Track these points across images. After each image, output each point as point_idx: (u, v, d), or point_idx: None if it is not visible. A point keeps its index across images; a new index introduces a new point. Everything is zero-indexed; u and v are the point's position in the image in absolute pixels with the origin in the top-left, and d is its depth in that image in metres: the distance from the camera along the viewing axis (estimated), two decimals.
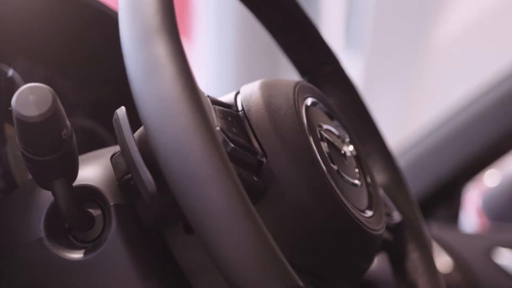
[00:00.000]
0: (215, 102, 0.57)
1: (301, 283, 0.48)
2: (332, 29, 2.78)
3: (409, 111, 2.55)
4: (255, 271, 0.47)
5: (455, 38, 2.47)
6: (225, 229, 0.46)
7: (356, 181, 0.63)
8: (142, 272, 0.57)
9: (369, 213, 0.63)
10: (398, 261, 0.71)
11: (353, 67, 2.64)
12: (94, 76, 0.78)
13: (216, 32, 2.50)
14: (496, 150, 1.38)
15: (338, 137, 0.64)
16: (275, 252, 0.47)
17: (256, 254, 0.47)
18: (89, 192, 0.59)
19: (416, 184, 1.37)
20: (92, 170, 0.59)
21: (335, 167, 0.61)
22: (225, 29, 2.49)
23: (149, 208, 0.57)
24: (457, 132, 1.38)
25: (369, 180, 0.66)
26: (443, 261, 1.21)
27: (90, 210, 0.58)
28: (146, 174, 0.53)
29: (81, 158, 0.60)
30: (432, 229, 1.27)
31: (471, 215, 1.47)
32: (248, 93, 0.60)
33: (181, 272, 0.60)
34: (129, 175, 0.56)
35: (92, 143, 0.73)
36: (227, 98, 0.61)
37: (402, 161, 1.39)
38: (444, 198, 1.39)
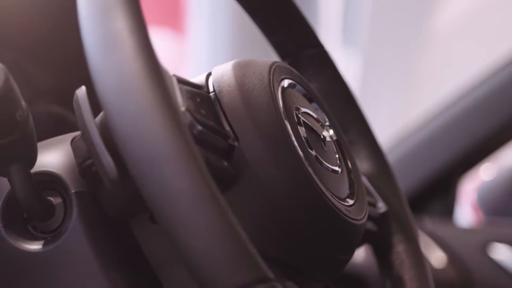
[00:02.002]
0: (183, 82, 0.54)
1: (271, 275, 0.45)
2: (329, 25, 2.77)
3: (406, 106, 2.54)
4: (221, 262, 0.43)
5: (452, 33, 2.45)
6: (186, 216, 0.43)
7: (336, 168, 0.60)
8: (105, 264, 0.54)
9: (350, 201, 0.59)
10: (383, 254, 0.68)
11: (350, 63, 2.63)
12: (64, 62, 0.75)
13: (210, 27, 2.48)
14: (491, 143, 1.35)
15: (317, 121, 0.61)
16: (243, 242, 0.44)
17: (222, 244, 0.43)
18: (49, 179, 0.55)
19: (410, 178, 1.35)
20: (52, 156, 0.56)
21: (313, 153, 0.57)
22: (219, 24, 2.47)
23: (113, 195, 0.54)
24: (451, 125, 1.36)
25: (350, 166, 0.62)
26: (436, 257, 1.19)
27: (50, 198, 0.55)
28: (106, 158, 0.49)
29: (42, 143, 0.57)
30: (426, 224, 1.25)
31: (466, 209, 1.44)
32: (220, 74, 0.57)
33: (148, 264, 0.56)
34: (90, 160, 0.53)
35: (62, 130, 0.70)
36: (198, 79, 0.57)
37: (395, 154, 1.37)
38: (438, 192, 1.36)
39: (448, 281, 1.19)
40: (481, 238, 1.23)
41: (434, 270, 1.19)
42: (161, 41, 2.59)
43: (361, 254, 1.02)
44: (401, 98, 2.58)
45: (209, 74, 0.57)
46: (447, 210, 1.37)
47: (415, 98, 2.51)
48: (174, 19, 2.70)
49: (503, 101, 1.33)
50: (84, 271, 0.54)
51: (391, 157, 1.36)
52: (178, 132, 0.44)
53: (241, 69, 0.57)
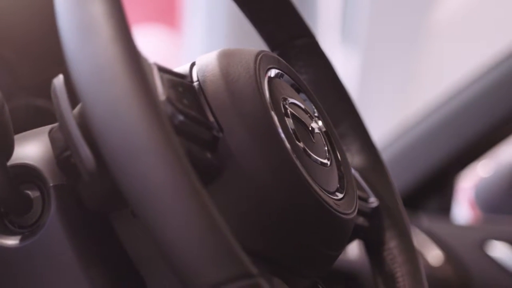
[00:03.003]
0: (164, 70, 0.52)
1: (255, 271, 0.43)
2: (328, 24, 2.77)
3: (405, 104, 2.53)
4: (201, 257, 0.42)
5: (450, 30, 2.45)
6: (165, 209, 0.41)
7: (325, 161, 0.58)
8: (84, 260, 0.52)
9: (339, 195, 0.57)
10: (374, 250, 0.66)
11: (349, 61, 2.63)
12: (49, 54, 0.73)
13: (205, 24, 2.47)
14: (489, 140, 1.34)
15: (306, 112, 0.59)
16: (225, 236, 0.42)
17: (202, 238, 0.42)
18: (26, 172, 0.53)
19: (407, 174, 1.34)
20: (30, 148, 0.54)
21: (301, 145, 0.55)
22: (215, 20, 2.45)
23: (92, 189, 0.52)
24: (449, 121, 1.35)
25: (340, 159, 0.60)
26: (433, 254, 1.18)
27: (28, 191, 0.53)
28: (84, 150, 0.48)
29: (19, 136, 0.55)
30: (423, 221, 1.24)
31: (463, 207, 1.42)
32: (204, 63, 0.55)
33: (129, 260, 0.54)
34: (68, 152, 0.51)
35: (46, 124, 0.68)
36: (182, 68, 0.55)
37: (392, 150, 1.36)
38: (435, 189, 1.35)
39: (445, 279, 1.18)
40: (479, 236, 1.22)
41: (431, 267, 1.18)
42: (155, 38, 2.57)
43: (354, 250, 1.00)
44: (400, 96, 2.58)
45: (193, 64, 0.56)
46: (444, 207, 1.35)
47: (414, 96, 2.50)
48: (169, 16, 2.69)
49: (501, 97, 1.32)
50: (63, 267, 0.52)
51: (388, 154, 1.35)
52: (157, 122, 0.42)
53: (226, 58, 0.55)
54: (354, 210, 0.58)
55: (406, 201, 1.34)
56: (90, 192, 0.52)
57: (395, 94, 2.60)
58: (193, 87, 0.53)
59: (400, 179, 1.33)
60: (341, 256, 0.98)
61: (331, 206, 0.54)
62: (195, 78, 0.54)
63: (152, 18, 2.64)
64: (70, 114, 0.49)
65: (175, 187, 0.41)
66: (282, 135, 0.53)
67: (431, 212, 1.32)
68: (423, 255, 1.20)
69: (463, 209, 1.42)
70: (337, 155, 0.60)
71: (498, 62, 1.33)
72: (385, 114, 2.52)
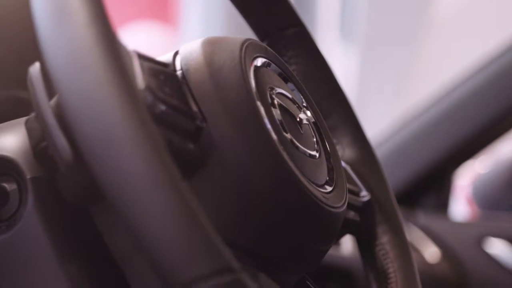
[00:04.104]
0: (145, 58, 0.50)
1: (236, 266, 0.41)
2: (326, 22, 2.77)
3: (404, 102, 2.52)
4: (179, 250, 0.40)
5: (449, 28, 2.44)
6: (142, 201, 0.40)
7: (314, 152, 0.56)
8: (62, 255, 0.50)
9: (328, 188, 0.56)
10: (366, 245, 0.64)
11: (348, 59, 2.63)
12: (31, 45, 0.71)
13: (202, 19, 2.45)
14: (487, 135, 1.32)
15: (293, 102, 0.57)
16: (204, 229, 0.40)
17: (180, 231, 0.40)
18: (2, 164, 0.52)
19: (404, 170, 1.33)
20: (6, 139, 0.52)
21: (288, 136, 0.53)
22: (211, 15, 2.44)
23: (70, 181, 0.50)
24: (446, 116, 1.33)
25: (329, 151, 0.58)
26: (430, 251, 1.17)
27: (4, 184, 0.52)
28: (60, 140, 0.46)
29: None
30: (419, 218, 1.24)
31: (460, 203, 1.41)
32: (188, 51, 0.53)
33: (111, 256, 0.52)
34: (45, 143, 0.49)
35: (28, 115, 0.67)
36: (165, 57, 0.54)
37: (389, 146, 1.35)
38: (432, 186, 1.33)
39: (442, 276, 1.17)
40: (476, 233, 1.21)
41: (428, 265, 1.17)
42: (150, 34, 2.56)
43: (348, 246, 0.99)
44: (399, 93, 2.58)
45: (176, 52, 0.54)
46: (442, 204, 1.34)
47: (413, 94, 2.49)
48: (163, 11, 2.67)
49: (498, 92, 1.30)
50: (40, 261, 0.50)
51: (385, 149, 1.34)
52: (133, 110, 0.41)
53: (210, 46, 0.53)
54: (343, 204, 0.56)
55: (402, 197, 1.34)
56: (68, 184, 0.50)
57: (394, 92, 2.60)
58: (176, 75, 0.51)
59: (397, 175, 1.32)
60: (334, 252, 0.98)
61: (319, 200, 0.53)
62: (178, 66, 0.52)
63: (146, 15, 2.63)
64: (46, 103, 0.47)
65: (152, 178, 0.40)
66: (268, 126, 0.51)
67: (428, 208, 1.31)
68: (420, 252, 1.19)
69: (460, 206, 1.41)
70: (326, 146, 0.59)
71: (495, 57, 1.31)
72: (384, 112, 2.51)
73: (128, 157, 0.40)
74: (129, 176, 0.40)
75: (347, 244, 0.98)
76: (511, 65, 1.29)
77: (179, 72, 0.52)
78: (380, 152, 1.34)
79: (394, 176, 1.31)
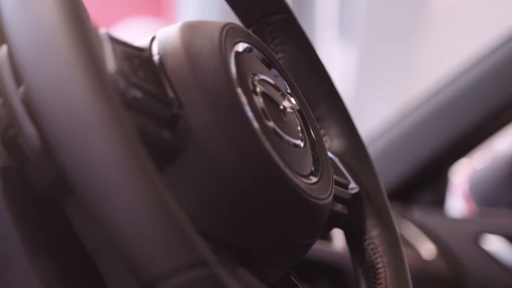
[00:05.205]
0: (119, 42, 0.48)
1: (211, 259, 0.39)
2: (325, 19, 2.76)
3: (403, 99, 2.51)
4: (148, 243, 0.38)
5: (448, 27, 2.43)
6: (110, 191, 0.38)
7: (298, 141, 0.53)
8: (31, 248, 0.48)
9: (313, 179, 0.53)
10: (355, 240, 0.61)
11: (346, 56, 2.62)
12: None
13: (198, 12, 2.44)
14: (484, 130, 1.30)
15: (277, 89, 0.54)
16: (176, 220, 0.38)
17: (149, 222, 0.38)
18: None
19: (399, 166, 1.31)
20: None
21: (271, 124, 0.51)
22: (207, 10, 2.42)
23: (40, 171, 0.48)
24: (442, 111, 1.32)
25: (315, 140, 0.56)
26: (426, 248, 1.15)
27: None
28: (27, 127, 0.44)
29: None
30: (415, 215, 1.22)
31: (457, 199, 1.39)
32: (165, 36, 0.51)
33: (83, 249, 0.50)
34: (13, 130, 0.47)
35: None
36: (141, 42, 0.51)
37: (384, 141, 1.33)
38: (428, 182, 1.31)
39: (438, 273, 1.16)
40: (473, 229, 1.19)
41: (424, 261, 1.16)
42: (145, 30, 2.55)
43: (340, 242, 0.97)
44: (397, 91, 2.56)
45: (154, 37, 0.51)
46: (438, 200, 1.33)
47: (412, 91, 2.48)
48: (159, 7, 2.66)
49: (495, 87, 1.28)
50: (8, 254, 0.48)
51: (380, 145, 1.32)
52: (101, 94, 0.38)
53: (189, 30, 0.51)
54: (329, 195, 0.54)
55: (398, 193, 1.33)
56: (38, 175, 0.48)
57: (393, 89, 2.59)
58: (152, 60, 0.49)
59: (393, 171, 1.31)
60: (326, 248, 0.96)
61: (303, 191, 0.50)
62: (155, 51, 0.50)
63: (141, 11, 2.61)
64: (13, 88, 0.45)
65: (119, 165, 0.38)
66: (250, 114, 0.49)
67: (424, 205, 1.29)
68: (415, 249, 1.17)
69: (457, 202, 1.39)
70: (311, 135, 0.56)
71: (490, 52, 1.30)
72: (383, 109, 2.50)
73: (95, 143, 0.38)
74: (95, 163, 0.38)
75: (339, 240, 0.96)
76: (506, 60, 1.27)
77: (155, 57, 0.49)
78: (376, 148, 1.33)
79: (390, 172, 1.30)
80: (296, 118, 0.55)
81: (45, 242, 0.49)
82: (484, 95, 1.28)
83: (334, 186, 0.56)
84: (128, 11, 2.59)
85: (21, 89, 0.46)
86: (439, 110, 1.31)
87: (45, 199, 0.49)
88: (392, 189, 1.29)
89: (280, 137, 0.52)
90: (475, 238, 1.18)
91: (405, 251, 0.62)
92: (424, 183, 1.31)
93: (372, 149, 1.35)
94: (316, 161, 0.55)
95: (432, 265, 1.16)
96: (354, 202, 0.61)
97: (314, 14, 2.77)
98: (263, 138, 0.49)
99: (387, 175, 1.29)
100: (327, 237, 0.97)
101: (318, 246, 0.94)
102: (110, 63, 0.44)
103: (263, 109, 0.51)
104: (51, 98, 0.38)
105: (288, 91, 0.57)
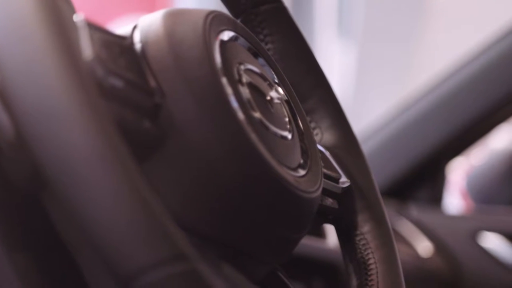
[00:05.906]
0: (98, 29, 0.46)
1: (190, 254, 0.37)
2: (324, 17, 2.76)
3: (402, 98, 2.51)
4: (124, 236, 0.36)
5: (447, 26, 2.42)
6: (82, 180, 0.36)
7: (286, 133, 0.52)
8: (7, 243, 0.46)
9: (301, 171, 0.51)
10: (346, 235, 0.60)
11: (346, 54, 2.61)
12: None
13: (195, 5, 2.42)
14: (481, 126, 1.29)
15: (264, 79, 0.53)
16: (153, 212, 0.37)
17: (125, 214, 0.36)
18: None
19: (395, 163, 1.30)
20: None
21: (257, 115, 0.49)
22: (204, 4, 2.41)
23: (15, 162, 0.46)
24: (439, 107, 1.30)
25: (303, 131, 0.54)
26: (423, 246, 1.15)
27: None
28: (1, 116, 0.42)
29: None
30: (412, 212, 1.21)
31: (454, 196, 1.38)
32: (147, 23, 0.49)
33: (61, 244, 0.48)
34: None
35: None
36: (123, 30, 0.50)
37: (380, 137, 1.31)
38: (425, 178, 1.30)
39: (435, 270, 1.16)
40: (470, 226, 1.19)
41: (421, 259, 1.15)
42: None
43: (334, 238, 0.95)
44: (396, 89, 2.56)
45: (136, 25, 0.50)
46: (435, 197, 1.31)
47: (410, 89, 2.48)
48: (153, 5, 2.65)
49: (492, 82, 1.27)
50: None
51: (377, 141, 1.31)
52: (75, 81, 0.37)
53: (172, 18, 0.49)
54: (318, 188, 0.52)
55: (395, 190, 1.32)
56: (13, 166, 0.46)
57: (392, 87, 2.58)
58: (133, 48, 0.47)
59: (390, 167, 1.29)
60: (319, 245, 0.94)
61: (290, 184, 0.49)
62: (136, 39, 0.48)
63: (136, 8, 2.60)
64: None
65: (94, 156, 0.36)
66: (235, 104, 0.47)
67: (421, 202, 1.28)
68: (412, 246, 1.16)
69: (454, 199, 1.38)
70: (300, 127, 0.55)
71: (487, 48, 1.28)
72: (382, 107, 2.49)
73: (68, 133, 0.36)
74: (69, 154, 0.36)
75: (333, 237, 0.95)
76: (503, 56, 1.26)
77: (137, 45, 0.48)
78: (372, 144, 1.32)
79: (387, 169, 1.29)
80: (284, 109, 0.53)
81: (23, 237, 0.47)
82: (481, 91, 1.27)
83: (323, 179, 0.54)
84: (124, 8, 2.58)
85: None
86: (437, 106, 1.30)
87: (23, 192, 0.48)
88: (388, 186, 1.28)
89: (267, 128, 0.50)
90: (472, 236, 1.17)
91: (397, 247, 0.60)
92: (421, 180, 1.30)
93: (369, 145, 1.34)
94: (304, 153, 0.53)
95: (428, 263, 1.15)
96: (345, 196, 0.59)
97: (313, 12, 2.77)
98: (248, 129, 0.47)
99: (384, 171, 1.28)
100: (321, 234, 0.95)
101: (312, 243, 0.92)
102: (87, 49, 0.43)
103: (248, 100, 0.49)
104: (23, 86, 0.37)
105: (276, 81, 0.55)
